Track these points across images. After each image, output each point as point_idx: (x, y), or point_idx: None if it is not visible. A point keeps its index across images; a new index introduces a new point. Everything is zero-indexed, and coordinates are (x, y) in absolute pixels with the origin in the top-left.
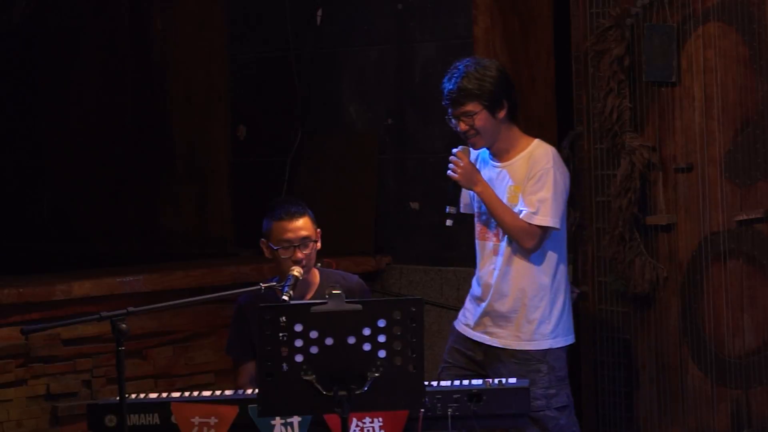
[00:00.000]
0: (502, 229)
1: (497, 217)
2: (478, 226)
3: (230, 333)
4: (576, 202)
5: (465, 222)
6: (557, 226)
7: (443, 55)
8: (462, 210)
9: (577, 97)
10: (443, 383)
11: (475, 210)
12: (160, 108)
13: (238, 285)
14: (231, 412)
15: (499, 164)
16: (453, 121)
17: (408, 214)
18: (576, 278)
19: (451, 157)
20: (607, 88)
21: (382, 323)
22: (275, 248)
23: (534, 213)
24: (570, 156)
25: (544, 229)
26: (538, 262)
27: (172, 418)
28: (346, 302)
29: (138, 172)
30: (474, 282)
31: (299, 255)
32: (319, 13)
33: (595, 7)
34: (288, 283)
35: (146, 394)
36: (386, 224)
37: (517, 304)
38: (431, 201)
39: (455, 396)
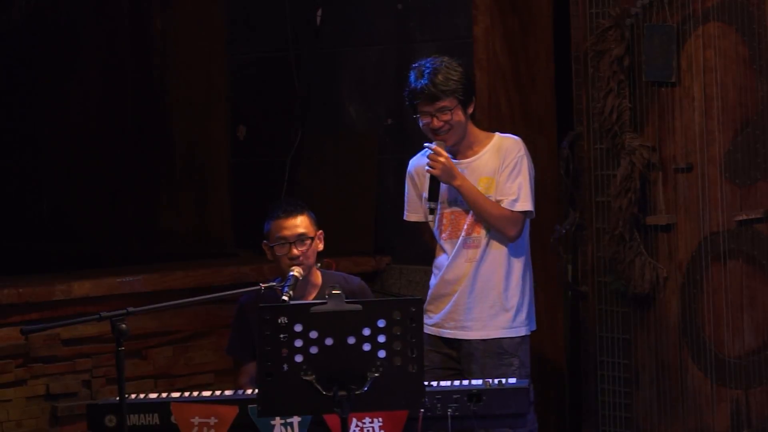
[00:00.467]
0: (484, 221)
1: (479, 209)
2: (444, 225)
3: (231, 333)
4: (576, 202)
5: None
6: (533, 210)
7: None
8: (407, 218)
9: (577, 97)
10: (443, 383)
11: (438, 211)
12: (160, 108)
13: (238, 285)
14: (231, 412)
15: (463, 161)
16: (422, 118)
17: None
18: (576, 278)
19: (428, 153)
20: (607, 88)
21: (381, 323)
22: (272, 245)
23: (515, 200)
24: (570, 156)
25: (525, 215)
26: (513, 250)
27: (172, 418)
28: (346, 302)
29: (138, 172)
30: (437, 281)
31: (295, 251)
32: (319, 13)
33: (594, 7)
34: (288, 283)
35: (146, 395)
36: (386, 224)
37: (494, 293)
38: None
39: (455, 396)
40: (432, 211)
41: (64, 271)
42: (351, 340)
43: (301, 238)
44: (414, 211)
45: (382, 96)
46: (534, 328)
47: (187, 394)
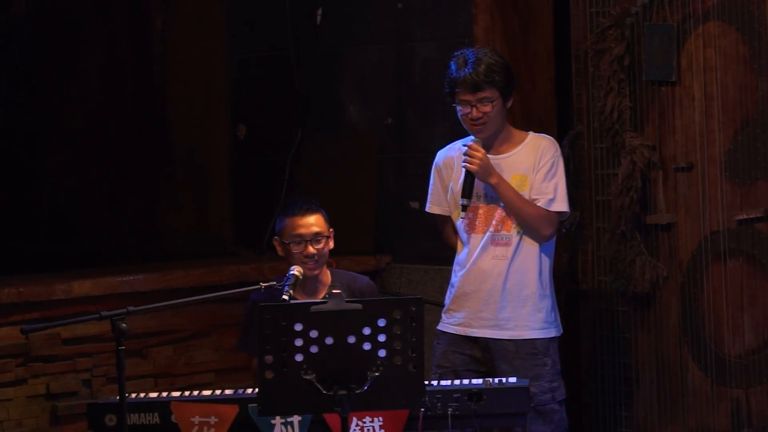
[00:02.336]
0: (520, 220)
1: (516, 208)
2: (470, 219)
3: (243, 328)
4: (576, 201)
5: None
6: (569, 212)
7: (443, 55)
8: (430, 209)
9: (577, 97)
10: (443, 383)
11: (461, 203)
12: (160, 107)
13: (238, 284)
14: (231, 412)
15: (496, 156)
16: (462, 107)
17: (408, 213)
18: (576, 277)
19: (467, 149)
20: (607, 87)
21: (382, 322)
22: (287, 242)
23: (552, 200)
24: (570, 155)
25: (560, 215)
26: (545, 250)
27: (172, 418)
28: (346, 302)
29: (138, 171)
30: (461, 279)
31: (311, 250)
32: (319, 12)
33: (595, 6)
34: (288, 282)
35: (146, 394)
36: (386, 223)
37: (527, 292)
38: None
39: (455, 395)
40: (464, 208)
41: (64, 271)
42: (351, 340)
43: (317, 236)
44: (437, 203)
45: (383, 95)
46: (561, 331)
47: (187, 393)
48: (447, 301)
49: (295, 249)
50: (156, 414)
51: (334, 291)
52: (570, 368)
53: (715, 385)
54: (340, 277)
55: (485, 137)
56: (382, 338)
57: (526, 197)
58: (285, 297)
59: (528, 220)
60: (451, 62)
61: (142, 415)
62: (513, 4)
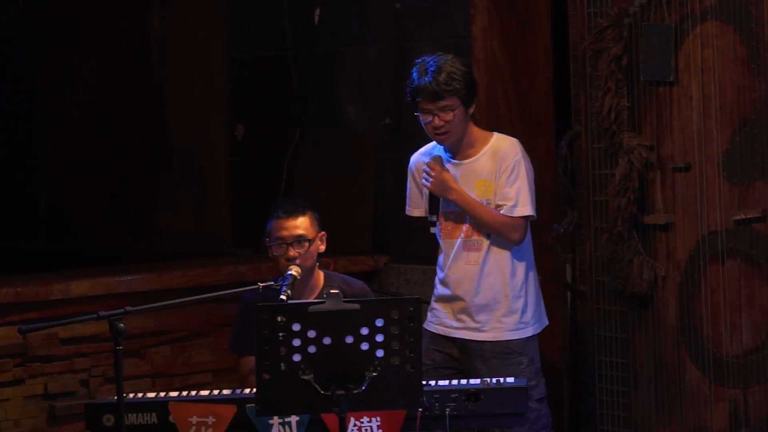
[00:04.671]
0: (486, 228)
1: (478, 219)
2: (443, 225)
3: (235, 330)
4: (574, 201)
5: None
6: (534, 214)
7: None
8: (409, 213)
9: (575, 97)
10: (441, 383)
11: (440, 210)
12: (158, 107)
13: (236, 284)
14: (229, 412)
15: (462, 162)
16: (423, 116)
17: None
18: (574, 277)
19: (424, 167)
20: (605, 87)
21: (379, 322)
22: (270, 245)
23: (514, 206)
24: (568, 155)
25: (526, 219)
26: (517, 252)
27: (170, 418)
28: (344, 302)
29: (136, 171)
30: (440, 282)
31: (291, 253)
32: (317, 12)
33: (592, 6)
34: (286, 283)
35: (144, 394)
36: (384, 223)
37: (499, 295)
38: None
39: (453, 395)
40: (432, 224)
41: (62, 271)
42: (349, 340)
43: (299, 239)
44: (416, 206)
45: (381, 95)
46: (546, 323)
47: (185, 393)
48: (432, 299)
49: (276, 251)
50: (154, 414)
51: (331, 291)
52: (568, 368)
53: (712, 385)
54: (334, 280)
55: (448, 144)
56: (379, 338)
57: (492, 203)
58: (283, 297)
59: (493, 228)
60: (413, 70)
61: (140, 415)
62: (511, 4)
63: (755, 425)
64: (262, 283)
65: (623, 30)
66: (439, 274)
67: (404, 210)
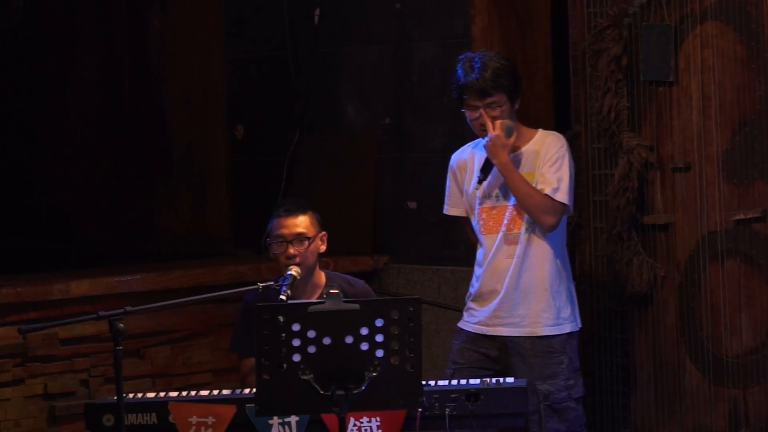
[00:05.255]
0: (524, 206)
1: (520, 192)
2: (484, 220)
3: (235, 330)
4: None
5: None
6: (571, 207)
7: (441, 55)
8: (447, 212)
9: (575, 97)
10: (441, 382)
11: (476, 207)
12: (158, 107)
13: (236, 284)
14: (228, 412)
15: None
16: (471, 113)
17: (406, 213)
18: (574, 278)
19: (493, 122)
20: (605, 87)
21: (379, 323)
22: (270, 242)
23: (556, 189)
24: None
25: (563, 207)
26: (556, 247)
27: (170, 418)
28: (344, 302)
29: (136, 171)
30: (478, 279)
31: (291, 251)
32: (317, 12)
33: (592, 6)
34: (286, 282)
35: (144, 394)
36: (384, 224)
37: (540, 289)
38: (429, 200)
39: (453, 395)
40: (480, 180)
41: (62, 271)
42: (349, 340)
43: (299, 237)
44: (454, 205)
45: (381, 95)
46: (580, 325)
47: (185, 393)
48: (468, 299)
49: (276, 249)
50: (153, 414)
51: (331, 291)
52: None
53: (712, 385)
54: (336, 280)
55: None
56: (379, 338)
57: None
58: (282, 297)
59: (531, 205)
60: (458, 67)
61: (140, 415)
62: (511, 4)
63: (755, 426)
64: (262, 283)
65: (623, 30)
66: (477, 271)
67: (404, 210)
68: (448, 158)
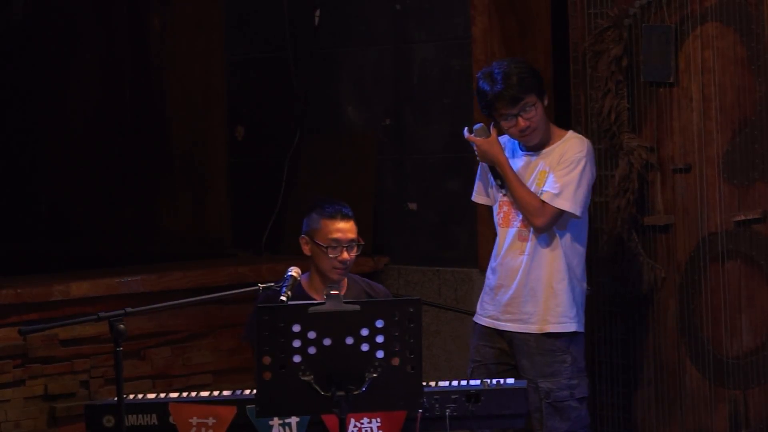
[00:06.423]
0: (516, 205)
1: (512, 190)
2: (504, 213)
3: (250, 320)
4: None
5: (463, 223)
6: (577, 212)
7: (441, 56)
8: (475, 199)
9: (575, 98)
10: (441, 383)
11: (498, 198)
12: (158, 108)
13: (236, 285)
14: (229, 413)
15: (534, 154)
16: (506, 122)
17: (406, 214)
18: None
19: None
20: (605, 88)
21: (380, 324)
22: (324, 246)
23: (556, 195)
24: None
25: (558, 212)
26: (565, 246)
27: (170, 419)
28: (344, 303)
29: (136, 172)
30: (493, 272)
31: (346, 256)
32: (317, 13)
33: (593, 7)
34: (286, 284)
35: (144, 395)
36: (384, 225)
37: (547, 287)
38: (429, 201)
39: (453, 396)
40: (501, 186)
41: (62, 272)
42: (349, 341)
43: (352, 243)
44: (480, 193)
45: (381, 96)
46: (583, 330)
47: (185, 394)
48: (482, 293)
49: (332, 254)
50: (154, 415)
51: (331, 292)
52: None
53: (713, 386)
54: (357, 283)
55: (535, 143)
56: (380, 339)
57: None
58: (283, 298)
59: (520, 204)
60: (481, 83)
61: (140, 416)
62: (511, 5)
63: (755, 426)
64: (262, 284)
65: (623, 31)
66: (492, 263)
67: (404, 211)
68: (449, 159)
